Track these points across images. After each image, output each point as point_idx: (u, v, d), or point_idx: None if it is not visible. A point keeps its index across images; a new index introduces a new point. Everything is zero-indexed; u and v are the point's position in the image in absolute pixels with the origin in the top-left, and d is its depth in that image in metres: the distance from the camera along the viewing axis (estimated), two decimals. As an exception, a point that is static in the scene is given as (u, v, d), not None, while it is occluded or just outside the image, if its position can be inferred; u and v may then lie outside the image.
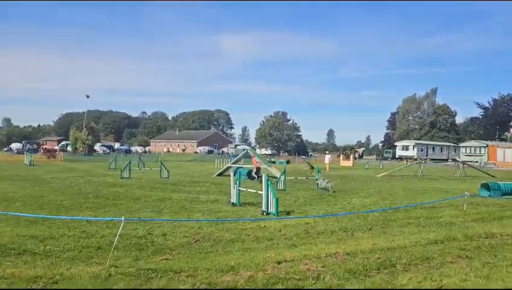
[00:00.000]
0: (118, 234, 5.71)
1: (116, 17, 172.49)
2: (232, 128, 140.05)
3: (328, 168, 33.71)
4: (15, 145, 71.72)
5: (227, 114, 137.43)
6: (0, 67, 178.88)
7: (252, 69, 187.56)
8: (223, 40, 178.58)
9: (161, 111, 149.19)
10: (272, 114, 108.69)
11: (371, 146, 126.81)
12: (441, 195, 15.76)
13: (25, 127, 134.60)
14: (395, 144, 74.28)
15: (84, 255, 6.32)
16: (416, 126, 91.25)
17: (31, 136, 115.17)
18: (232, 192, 12.36)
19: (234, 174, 12.64)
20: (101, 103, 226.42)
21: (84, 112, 78.73)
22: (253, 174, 21.49)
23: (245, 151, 28.32)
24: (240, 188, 12.19)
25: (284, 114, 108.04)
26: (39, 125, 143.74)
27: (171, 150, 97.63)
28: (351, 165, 45.45)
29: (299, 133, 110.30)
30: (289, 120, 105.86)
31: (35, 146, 71.37)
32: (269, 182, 10.82)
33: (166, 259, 6.14)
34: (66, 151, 66.18)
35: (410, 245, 7.13)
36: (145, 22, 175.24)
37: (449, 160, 56.38)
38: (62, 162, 39.31)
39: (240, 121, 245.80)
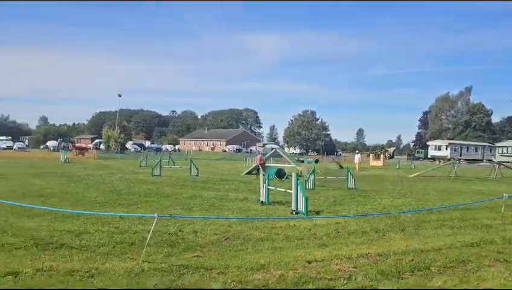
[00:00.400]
0: (151, 230, 5.82)
1: (147, 18, 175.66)
2: (260, 127, 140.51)
3: (357, 168, 33.26)
4: (51, 143, 74.33)
5: (256, 113, 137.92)
6: (37, 68, 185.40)
7: (281, 68, 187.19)
8: (253, 39, 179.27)
9: (190, 110, 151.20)
10: (301, 113, 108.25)
11: (401, 146, 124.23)
12: (476, 197, 15.30)
13: (60, 125, 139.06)
14: (428, 143, 72.61)
15: (118, 250, 6.47)
16: (450, 125, 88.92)
17: (66, 135, 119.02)
18: (261, 191, 12.38)
19: (263, 173, 12.66)
20: (133, 102, 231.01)
21: (116, 111, 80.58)
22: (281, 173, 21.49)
23: (273, 150, 28.33)
24: (269, 187, 12.19)
25: (313, 113, 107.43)
26: (74, 123, 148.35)
27: (200, 148, 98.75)
28: (381, 165, 44.72)
29: (328, 132, 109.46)
30: (318, 119, 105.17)
31: (69, 144, 73.71)
32: (298, 181, 10.77)
33: (197, 256, 6.20)
34: (99, 149, 68.16)
35: (444, 247, 6.94)
36: (175, 23, 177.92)
37: (484, 160, 54.62)
38: (95, 159, 40.39)
39: (268, 120, 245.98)
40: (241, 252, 6.53)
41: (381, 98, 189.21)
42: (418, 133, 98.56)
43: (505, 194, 8.88)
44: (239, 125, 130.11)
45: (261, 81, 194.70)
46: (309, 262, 5.95)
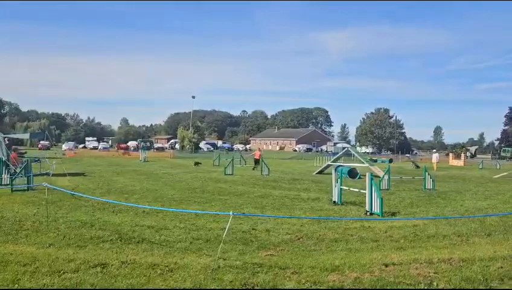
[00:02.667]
0: (227, 228, 5.95)
1: (217, 19, 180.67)
2: (331, 126, 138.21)
3: (435, 168, 31.48)
4: (131, 143, 79.21)
5: (326, 112, 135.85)
6: (119, 70, 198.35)
7: (353, 65, 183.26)
8: (323, 37, 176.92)
9: (260, 110, 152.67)
10: (373, 111, 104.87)
11: (485, 144, 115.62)
12: None
13: (139, 126, 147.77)
14: (515, 141, 66.81)
15: (195, 246, 6.71)
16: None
17: (144, 135, 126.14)
18: (333, 190, 12.18)
19: (335, 173, 12.43)
20: (205, 103, 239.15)
21: (190, 112, 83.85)
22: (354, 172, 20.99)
23: (345, 149, 27.74)
24: (341, 187, 11.95)
25: (386, 111, 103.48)
26: (151, 124, 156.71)
27: (270, 147, 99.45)
28: (462, 164, 42.02)
29: (403, 131, 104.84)
30: (392, 117, 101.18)
31: (148, 144, 77.98)
32: (373, 181, 10.44)
33: (271, 255, 6.24)
34: (175, 148, 71.42)
35: (538, 255, 6.33)
36: (246, 22, 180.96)
37: None
38: (171, 159, 42.29)
39: (339, 119, 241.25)
40: (315, 253, 6.47)
41: (461, 93, 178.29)
42: (503, 130, 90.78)
43: None
44: (309, 124, 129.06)
45: (332, 79, 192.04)
46: (386, 265, 5.73)
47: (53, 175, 18.22)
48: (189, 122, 76.75)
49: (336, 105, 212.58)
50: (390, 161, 45.10)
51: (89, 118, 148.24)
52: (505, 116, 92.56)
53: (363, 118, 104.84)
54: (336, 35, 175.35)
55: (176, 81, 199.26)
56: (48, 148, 57.76)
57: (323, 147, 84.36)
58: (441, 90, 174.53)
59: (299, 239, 7.39)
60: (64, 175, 17.37)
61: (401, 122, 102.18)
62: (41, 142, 64.33)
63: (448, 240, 7.40)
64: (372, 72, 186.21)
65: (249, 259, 5.95)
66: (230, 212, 5.68)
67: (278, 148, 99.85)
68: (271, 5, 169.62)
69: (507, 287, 4.96)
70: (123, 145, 70.22)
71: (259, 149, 31.46)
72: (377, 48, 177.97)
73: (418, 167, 34.98)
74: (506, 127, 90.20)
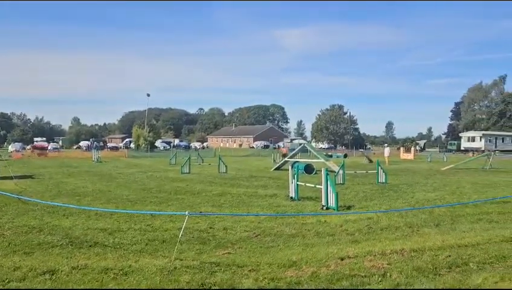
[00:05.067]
0: (183, 228, 5.84)
1: (173, 16, 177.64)
2: (287, 122, 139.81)
3: (387, 162, 32.56)
4: (83, 143, 76.52)
5: (283, 108, 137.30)
6: (69, 67, 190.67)
7: (308, 62, 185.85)
8: (278, 33, 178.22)
9: (218, 107, 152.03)
10: (328, 107, 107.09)
11: (433, 138, 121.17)
12: (514, 189, 14.72)
13: (92, 125, 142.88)
14: (460, 135, 70.48)
15: (151, 248, 6.54)
16: (484, 116, 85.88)
17: (97, 134, 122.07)
18: (290, 186, 12.30)
19: (292, 169, 12.55)
20: (161, 101, 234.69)
21: (145, 110, 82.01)
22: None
23: (301, 145, 28.12)
24: (298, 183, 12.09)
25: (341, 107, 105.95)
26: (105, 123, 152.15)
27: (228, 145, 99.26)
28: (412, 158, 43.73)
29: (357, 126, 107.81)
30: (346, 113, 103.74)
31: (101, 144, 75.62)
32: (328, 176, 10.63)
33: (228, 253, 6.20)
34: (129, 148, 69.68)
35: (483, 242, 6.68)
36: (202, 20, 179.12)
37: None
38: (126, 158, 41.20)
39: (296, 115, 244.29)
40: (272, 249, 6.49)
41: (411, 89, 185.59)
42: (450, 124, 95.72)
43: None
44: (266, 121, 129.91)
45: (289, 76, 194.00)
46: (342, 259, 5.84)
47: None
48: (144, 121, 75.07)
49: (293, 102, 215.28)
50: (345, 156, 46.26)
51: (37, 117, 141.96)
52: (451, 111, 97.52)
53: (318, 115, 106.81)
54: (294, 33, 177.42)
55: (131, 79, 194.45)
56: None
57: (280, 144, 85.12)
58: (392, 86, 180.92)
59: (256, 236, 7.39)
60: (10, 178, 16.46)
61: (354, 118, 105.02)
62: None
63: (400, 232, 7.66)
64: (328, 68, 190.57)
65: (206, 258, 5.87)
66: (186, 212, 5.58)
67: (236, 145, 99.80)
68: (229, 2, 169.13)
69: (455, 275, 5.18)
70: (38, 145, 66.42)
71: (284, 146, 31.84)
72: (333, 45, 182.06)
73: (371, 161, 36.07)
74: (452, 122, 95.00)
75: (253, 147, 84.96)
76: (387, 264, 5.57)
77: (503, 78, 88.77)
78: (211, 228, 8.07)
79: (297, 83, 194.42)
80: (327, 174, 10.66)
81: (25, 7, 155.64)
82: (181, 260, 5.79)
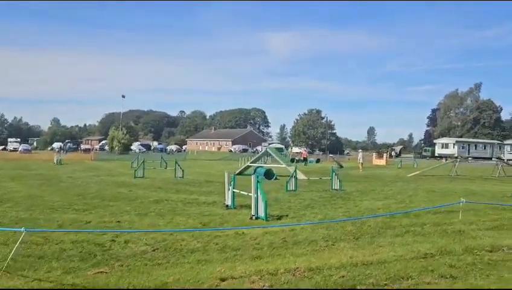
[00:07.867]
0: (15, 247, 5.11)
1: (155, 17, 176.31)
2: (268, 126, 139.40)
3: (361, 167, 32.12)
4: (56, 145, 74.68)
5: (264, 112, 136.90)
6: (52, 67, 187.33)
7: (291, 67, 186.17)
8: (262, 37, 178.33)
9: (199, 110, 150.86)
10: (306, 112, 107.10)
11: (413, 144, 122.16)
12: (469, 198, 14.29)
13: (71, 126, 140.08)
14: (434, 141, 71.03)
15: (19, 266, 5.80)
16: (459, 123, 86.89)
17: (75, 136, 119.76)
18: (226, 194, 11.66)
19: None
20: (142, 103, 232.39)
21: (125, 112, 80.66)
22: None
23: (265, 149, 27.56)
24: (234, 190, 11.45)
25: (319, 112, 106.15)
26: (85, 125, 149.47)
27: (207, 148, 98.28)
28: (384, 163, 43.65)
29: (334, 131, 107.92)
30: (323, 118, 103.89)
31: (75, 145, 74.04)
32: (258, 183, 10.00)
33: (100, 272, 5.48)
34: (104, 150, 68.30)
35: (391, 260, 6.11)
36: (185, 22, 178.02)
37: (493, 158, 53.06)
38: (92, 161, 40.08)
39: (279, 119, 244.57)
40: (158, 267, 5.81)
41: (393, 95, 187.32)
42: (426, 131, 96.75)
43: (462, 199, 8.03)
44: (247, 125, 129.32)
45: (272, 80, 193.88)
46: (223, 280, 5.21)
47: None
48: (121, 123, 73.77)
49: (276, 106, 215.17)
50: (317, 161, 45.97)
51: (15, 118, 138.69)
52: (427, 118, 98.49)
53: (296, 119, 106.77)
54: (278, 36, 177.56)
55: (114, 80, 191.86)
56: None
57: (259, 148, 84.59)
58: (374, 92, 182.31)
59: (154, 251, 6.71)
60: None
61: (332, 123, 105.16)
62: None
63: (313, 246, 7.05)
64: (311, 73, 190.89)
65: (68, 279, 5.15)
66: (22, 229, 4.88)
67: (215, 149, 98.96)
68: (213, 4, 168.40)
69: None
70: None
71: (304, 150, 32.11)
72: (316, 49, 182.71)
73: (341, 166, 35.79)
74: (428, 128, 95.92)
75: (231, 151, 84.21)
76: (269, 287, 4.97)
77: (478, 86, 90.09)
78: (112, 240, 7.35)
79: (280, 87, 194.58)
80: (258, 181, 10.04)
81: (3, 5, 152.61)
82: (40, 280, 5.09)
